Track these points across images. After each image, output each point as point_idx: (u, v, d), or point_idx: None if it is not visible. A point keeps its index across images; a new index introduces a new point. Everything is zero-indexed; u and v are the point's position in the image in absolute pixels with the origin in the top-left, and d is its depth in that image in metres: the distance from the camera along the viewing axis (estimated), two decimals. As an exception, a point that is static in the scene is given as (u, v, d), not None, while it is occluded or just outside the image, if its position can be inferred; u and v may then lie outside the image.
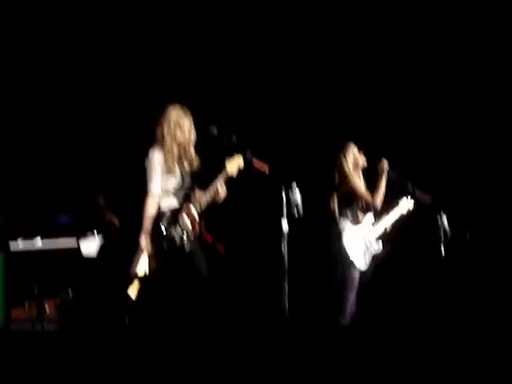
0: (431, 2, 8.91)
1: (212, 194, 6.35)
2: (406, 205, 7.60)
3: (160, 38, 9.00)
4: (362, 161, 7.52)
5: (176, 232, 6.25)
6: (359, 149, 7.53)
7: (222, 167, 6.35)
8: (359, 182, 7.50)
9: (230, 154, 6.36)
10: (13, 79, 8.86)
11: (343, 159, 7.50)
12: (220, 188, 6.34)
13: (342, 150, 7.53)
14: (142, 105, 8.55)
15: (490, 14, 8.80)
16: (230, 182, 6.37)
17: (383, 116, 8.97)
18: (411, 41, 8.97)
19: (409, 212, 7.60)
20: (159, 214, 6.27)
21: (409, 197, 7.57)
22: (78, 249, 7.77)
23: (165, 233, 6.23)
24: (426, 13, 8.90)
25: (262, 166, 6.31)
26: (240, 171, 6.37)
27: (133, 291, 6.33)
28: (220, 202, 6.42)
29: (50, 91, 9.00)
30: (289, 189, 6.22)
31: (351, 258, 7.29)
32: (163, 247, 6.20)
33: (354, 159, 7.52)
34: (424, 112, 9.01)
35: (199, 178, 6.46)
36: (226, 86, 8.99)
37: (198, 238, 6.40)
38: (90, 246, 7.94)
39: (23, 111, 8.93)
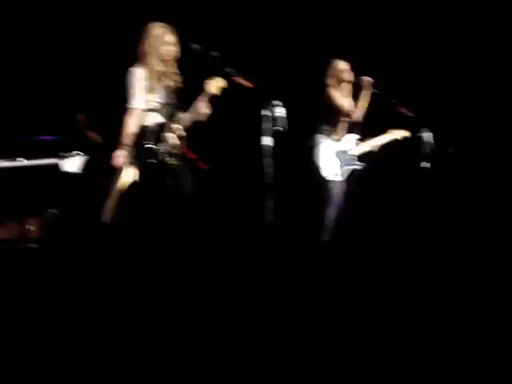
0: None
1: (194, 112, 6.32)
2: (400, 133, 7.63)
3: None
4: (348, 76, 7.50)
5: (162, 148, 6.24)
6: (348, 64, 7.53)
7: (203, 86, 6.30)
8: (339, 96, 7.49)
9: (213, 72, 6.32)
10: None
11: (329, 72, 7.49)
12: (202, 107, 6.31)
13: (331, 64, 7.51)
14: (122, 22, 8.44)
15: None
16: (214, 100, 6.34)
17: (374, 35, 8.91)
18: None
19: (403, 139, 7.64)
20: (144, 130, 6.24)
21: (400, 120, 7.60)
22: (61, 167, 7.73)
23: (151, 148, 6.21)
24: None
25: (246, 82, 6.28)
26: (224, 90, 6.32)
27: (111, 205, 6.29)
28: (203, 120, 6.38)
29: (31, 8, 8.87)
30: (272, 106, 6.21)
31: (325, 173, 7.33)
32: (149, 162, 6.19)
33: (339, 73, 7.50)
34: (413, 31, 8.96)
35: (183, 96, 6.44)
36: (209, 4, 8.88)
37: (182, 156, 6.41)
38: (74, 164, 7.91)
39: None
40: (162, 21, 6.38)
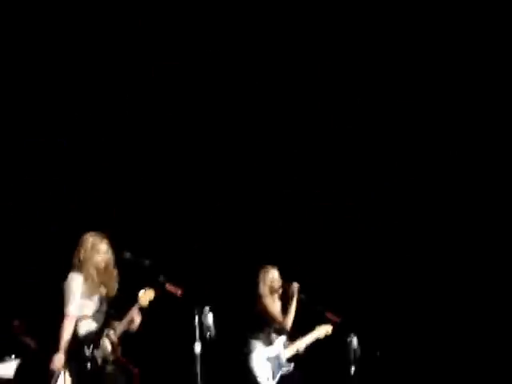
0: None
1: (127, 322, 6.51)
2: (323, 329, 7.82)
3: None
4: (278, 285, 7.75)
5: (97, 354, 6.36)
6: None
7: (136, 297, 6.49)
8: (272, 305, 7.71)
9: (145, 279, 6.53)
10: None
11: (261, 281, 7.74)
12: (135, 317, 6.51)
13: (261, 272, 7.77)
14: (59, 231, 8.69)
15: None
16: (143, 310, 6.53)
17: (295, 239, 9.24)
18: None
19: (326, 336, 7.82)
20: (80, 337, 6.38)
21: (326, 323, 7.81)
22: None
23: (88, 355, 6.33)
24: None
25: (175, 290, 6.47)
26: (151, 302, 6.52)
27: None
28: (134, 329, 6.57)
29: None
30: (201, 312, 6.38)
31: (259, 379, 7.46)
32: (86, 368, 6.28)
33: (271, 282, 7.75)
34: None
35: (116, 303, 6.63)
36: (139, 209, 9.20)
37: (116, 361, 6.52)
38: (8, 368, 7.91)
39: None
40: (96, 229, 6.64)
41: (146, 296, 6.50)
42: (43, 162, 9.07)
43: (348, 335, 7.65)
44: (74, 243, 6.60)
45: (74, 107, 9.13)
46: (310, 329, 7.84)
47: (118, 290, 6.63)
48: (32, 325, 8.44)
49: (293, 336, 7.77)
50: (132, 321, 6.52)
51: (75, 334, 6.39)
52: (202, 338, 6.36)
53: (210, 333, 6.39)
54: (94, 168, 9.20)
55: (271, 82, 9.48)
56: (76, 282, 6.43)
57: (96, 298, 6.51)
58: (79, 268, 6.48)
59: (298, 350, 7.74)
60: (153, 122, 9.35)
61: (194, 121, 9.43)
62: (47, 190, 9.08)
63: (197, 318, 6.38)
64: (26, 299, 8.71)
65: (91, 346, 6.36)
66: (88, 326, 6.43)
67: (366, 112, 9.52)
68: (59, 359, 6.28)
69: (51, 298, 6.70)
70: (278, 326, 7.70)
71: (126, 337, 6.58)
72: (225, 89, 9.43)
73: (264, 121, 9.51)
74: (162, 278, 6.51)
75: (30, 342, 8.37)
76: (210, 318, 6.40)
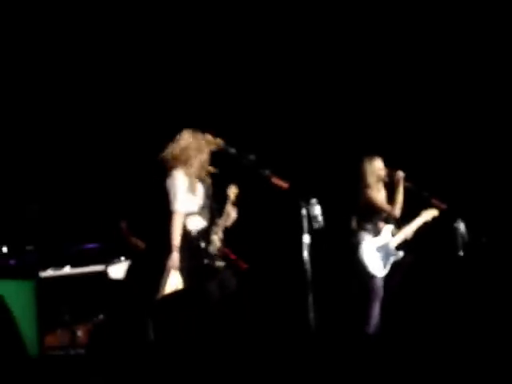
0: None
1: (226, 217, 6.64)
2: (429, 213, 7.75)
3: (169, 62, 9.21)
4: (383, 174, 7.70)
5: (211, 250, 6.47)
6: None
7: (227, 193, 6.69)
8: (378, 195, 7.67)
9: (249, 174, 6.57)
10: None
11: (368, 171, 7.68)
12: (232, 212, 6.65)
13: (366, 162, 7.72)
14: (157, 129, 8.73)
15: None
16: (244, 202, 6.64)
17: (399, 129, 9.11)
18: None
19: (434, 218, 7.76)
20: (191, 233, 6.44)
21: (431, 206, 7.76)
22: (107, 274, 7.92)
23: (200, 250, 6.43)
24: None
25: (281, 183, 6.48)
26: (238, 196, 6.62)
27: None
28: (230, 225, 6.68)
29: (69, 120, 9.21)
30: (308, 204, 6.38)
31: (370, 269, 7.47)
32: (202, 264, 6.39)
33: (377, 172, 7.69)
34: (437, 124, 9.16)
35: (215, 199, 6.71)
36: (244, 106, 9.19)
37: (225, 257, 6.61)
38: (119, 270, 8.09)
39: (46, 144, 9.13)
40: (195, 126, 6.69)
41: (233, 190, 6.70)
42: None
43: (455, 221, 7.64)
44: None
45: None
46: (417, 216, 7.80)
47: (221, 186, 6.71)
48: (139, 226, 8.61)
49: (400, 224, 7.75)
50: (228, 216, 6.64)
51: (185, 230, 6.43)
52: (311, 230, 6.38)
53: (318, 224, 6.39)
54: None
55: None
56: (180, 179, 6.46)
57: (200, 194, 6.57)
58: (183, 165, 6.51)
59: (406, 237, 7.72)
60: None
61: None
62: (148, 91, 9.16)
63: (304, 210, 6.39)
64: (131, 201, 8.86)
65: (201, 242, 6.45)
66: (196, 222, 6.49)
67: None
68: (175, 257, 6.33)
69: (155, 198, 6.80)
70: (385, 215, 7.68)
71: (231, 232, 6.69)
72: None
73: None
74: (267, 172, 6.55)
75: (138, 243, 8.55)
76: (317, 209, 6.40)
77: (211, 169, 6.63)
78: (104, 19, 9.02)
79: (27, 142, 9.03)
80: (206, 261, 6.42)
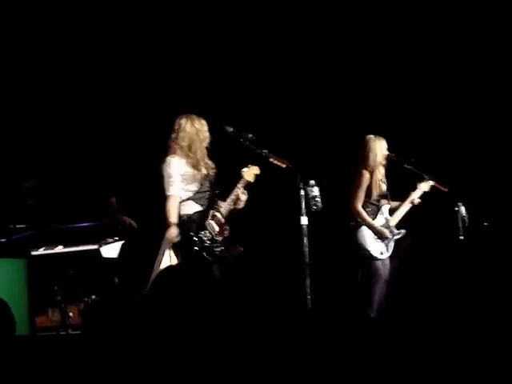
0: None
1: (233, 200, 6.46)
2: (425, 184, 7.58)
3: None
4: (386, 155, 7.52)
5: (203, 236, 6.33)
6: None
7: (240, 174, 6.46)
8: (380, 174, 7.48)
9: (248, 153, 6.44)
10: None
11: (375, 150, 7.44)
12: (241, 195, 6.45)
13: (371, 142, 7.51)
14: (152, 111, 8.70)
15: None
16: (248, 187, 6.50)
17: (400, 111, 9.00)
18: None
19: (430, 189, 7.59)
20: (184, 218, 6.36)
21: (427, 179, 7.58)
22: (100, 253, 7.81)
23: (195, 236, 6.31)
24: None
25: (280, 163, 6.36)
26: (257, 177, 6.46)
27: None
28: (241, 207, 6.52)
29: (64, 98, 9.10)
30: (307, 184, 6.26)
31: (372, 252, 7.33)
32: (192, 250, 6.27)
33: (384, 152, 7.49)
34: (438, 107, 9.06)
35: (218, 183, 6.57)
36: (243, 86, 9.06)
37: (223, 241, 6.48)
38: (112, 250, 7.99)
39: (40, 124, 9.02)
40: (192, 109, 6.59)
41: (250, 172, 6.47)
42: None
43: (456, 204, 7.52)
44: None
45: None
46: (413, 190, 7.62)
47: (222, 168, 6.58)
48: (132, 205, 8.54)
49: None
50: (238, 199, 6.48)
51: (178, 215, 6.36)
52: (309, 211, 6.27)
53: (317, 205, 6.28)
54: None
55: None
56: (176, 164, 6.39)
57: (198, 179, 6.44)
58: (180, 149, 6.43)
59: (404, 212, 7.52)
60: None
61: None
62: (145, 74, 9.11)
63: (302, 191, 6.28)
64: (120, 178, 8.81)
65: (195, 228, 6.33)
66: (190, 208, 6.40)
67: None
68: (172, 232, 6.29)
69: (150, 180, 6.73)
70: (383, 195, 7.51)
71: (233, 215, 6.55)
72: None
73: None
74: (265, 152, 6.43)
75: (126, 220, 8.46)
76: (316, 191, 6.29)
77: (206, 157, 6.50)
78: (102, 13, 8.97)
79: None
80: (195, 247, 6.29)
